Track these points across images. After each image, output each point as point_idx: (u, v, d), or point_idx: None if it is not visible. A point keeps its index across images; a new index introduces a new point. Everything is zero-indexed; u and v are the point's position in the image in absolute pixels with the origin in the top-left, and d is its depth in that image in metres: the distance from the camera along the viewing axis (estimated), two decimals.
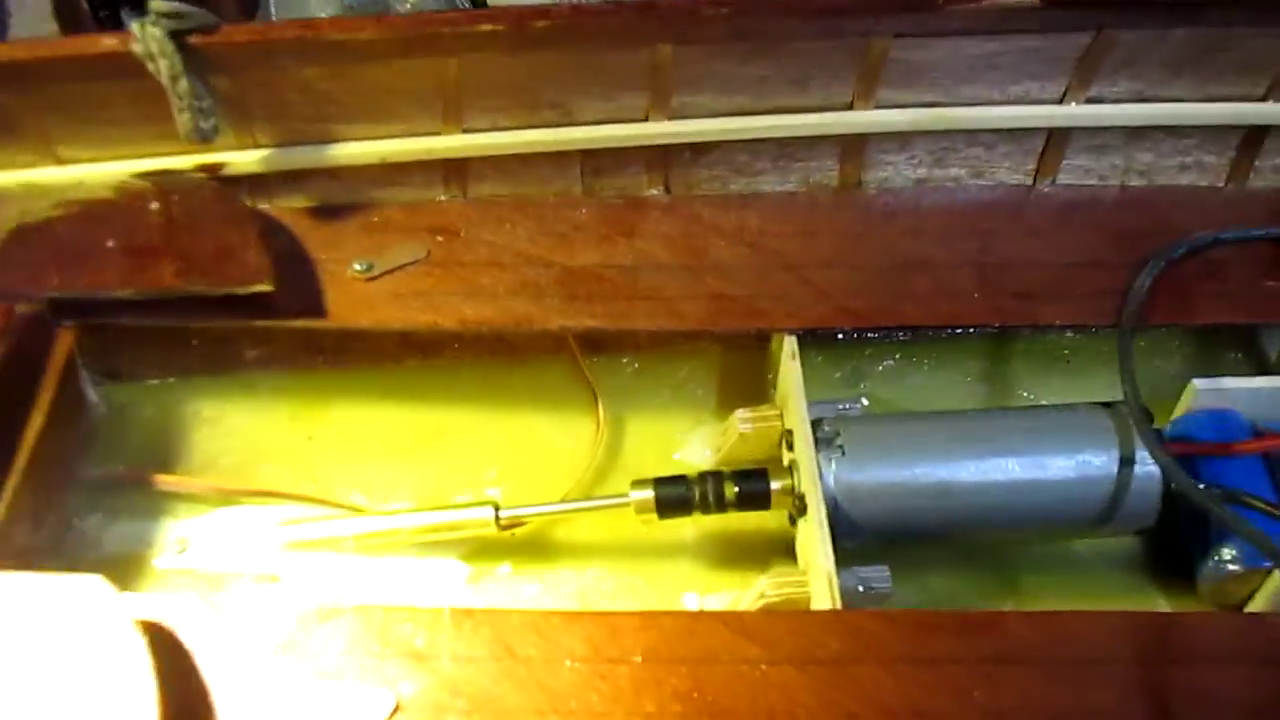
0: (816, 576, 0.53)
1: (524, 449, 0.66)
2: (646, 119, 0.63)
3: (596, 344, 0.67)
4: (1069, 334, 0.68)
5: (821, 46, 0.60)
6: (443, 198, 0.66)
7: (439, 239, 0.64)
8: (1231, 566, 0.56)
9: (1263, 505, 0.54)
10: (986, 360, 0.69)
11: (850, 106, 0.63)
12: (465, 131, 0.63)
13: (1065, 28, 0.60)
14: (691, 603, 0.55)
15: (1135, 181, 0.66)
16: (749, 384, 0.68)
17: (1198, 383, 0.60)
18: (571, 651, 0.49)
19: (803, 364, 0.68)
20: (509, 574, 0.61)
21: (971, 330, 0.68)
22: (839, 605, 0.51)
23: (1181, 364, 0.68)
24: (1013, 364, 0.69)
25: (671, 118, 0.63)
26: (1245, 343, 0.68)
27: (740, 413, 0.61)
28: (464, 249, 0.63)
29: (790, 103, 0.63)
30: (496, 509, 0.59)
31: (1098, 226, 0.64)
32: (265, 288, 0.57)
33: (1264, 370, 0.67)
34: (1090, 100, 0.62)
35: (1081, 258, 0.62)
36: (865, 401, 0.63)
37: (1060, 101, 0.62)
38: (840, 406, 0.61)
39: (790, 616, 0.50)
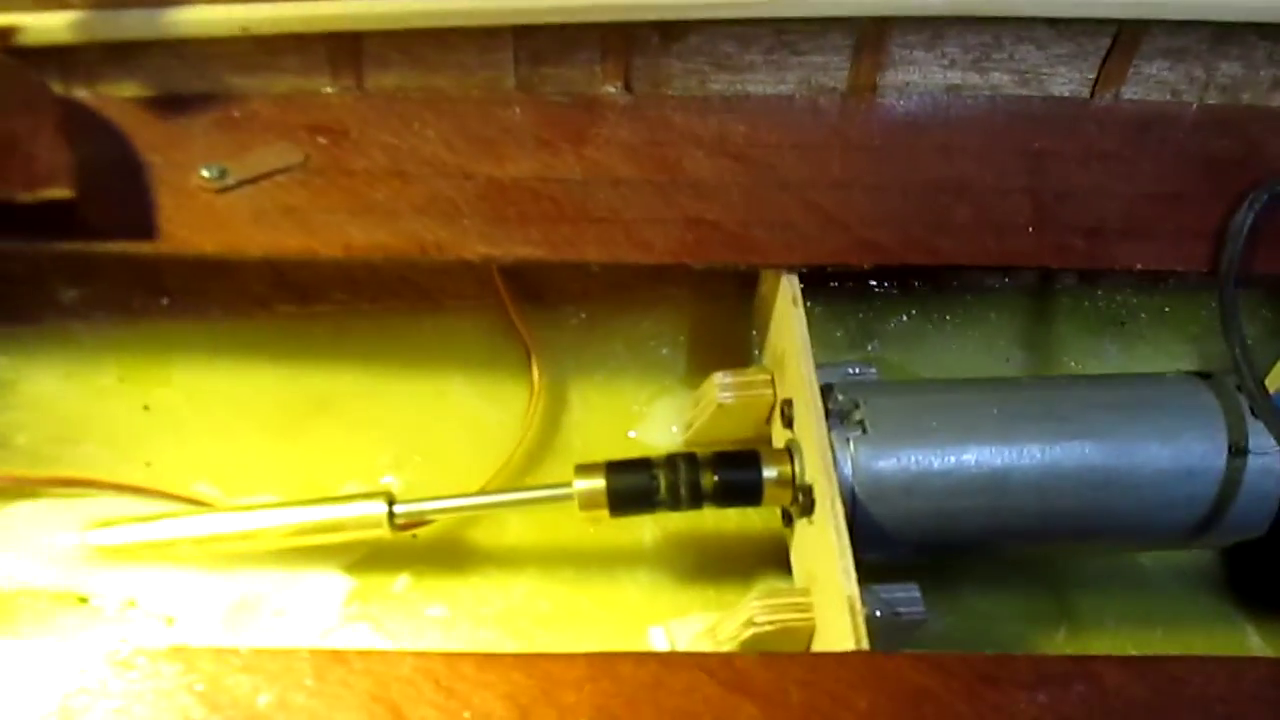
0: (829, 600, 0.38)
1: (433, 425, 0.50)
2: None
3: (533, 286, 0.52)
4: (1128, 289, 0.55)
5: None
6: (330, 89, 0.50)
7: (320, 140, 0.47)
8: None
9: None
10: (1023, 319, 0.55)
11: None
12: None
13: None
14: (657, 636, 0.40)
15: (1215, 99, 0.52)
16: (728, 342, 0.53)
17: None
18: (487, 714, 0.34)
19: None
20: (407, 590, 0.46)
21: (1006, 280, 0.54)
22: (864, 643, 0.36)
23: (1260, 327, 0.55)
24: (1056, 325, 0.55)
25: None
26: None
27: (720, 377, 0.46)
28: (354, 154, 0.47)
29: None
30: (390, 502, 0.43)
31: (1177, 151, 0.50)
32: (62, 193, 0.41)
33: None
34: None
35: (1162, 188, 0.48)
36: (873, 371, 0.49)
37: None
38: (849, 371, 0.47)
39: (799, 662, 0.35)
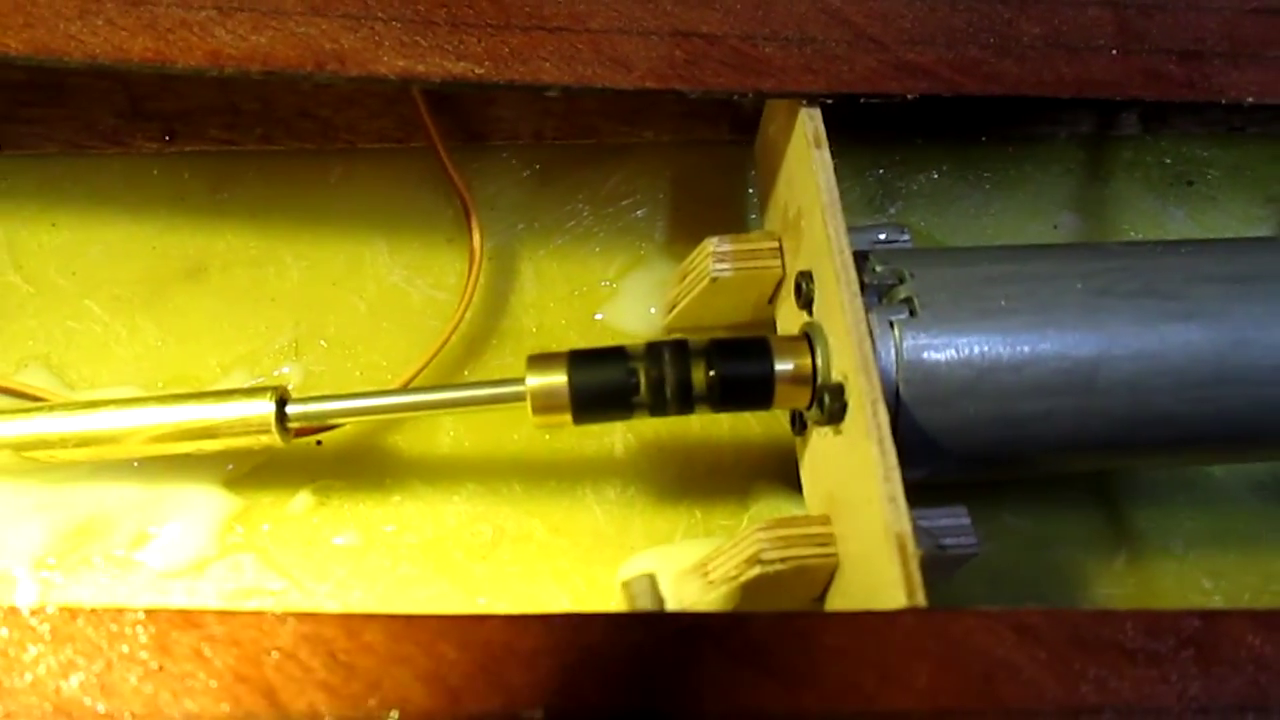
0: (860, 533, 0.29)
1: (344, 300, 0.39)
2: None
3: (472, 122, 0.41)
4: (1197, 142, 0.45)
5: None
6: None
7: None
8: None
9: None
10: (1075, 177, 0.45)
11: None
12: None
13: None
14: (642, 567, 0.31)
15: None
16: (720, 201, 0.42)
17: None
18: (403, 701, 0.25)
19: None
20: (307, 512, 0.35)
21: (1058, 125, 0.44)
22: (918, 596, 0.27)
23: None
24: (1113, 184, 0.45)
25: None
26: None
27: (715, 243, 0.36)
28: None
29: None
30: (281, 401, 0.33)
31: None
32: None
33: None
34: None
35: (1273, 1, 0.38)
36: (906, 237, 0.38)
37: None
38: (878, 237, 0.36)
39: (837, 623, 0.26)
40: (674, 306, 0.39)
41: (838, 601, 0.32)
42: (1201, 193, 0.45)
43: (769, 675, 0.25)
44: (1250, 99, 0.36)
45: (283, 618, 0.25)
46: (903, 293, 0.31)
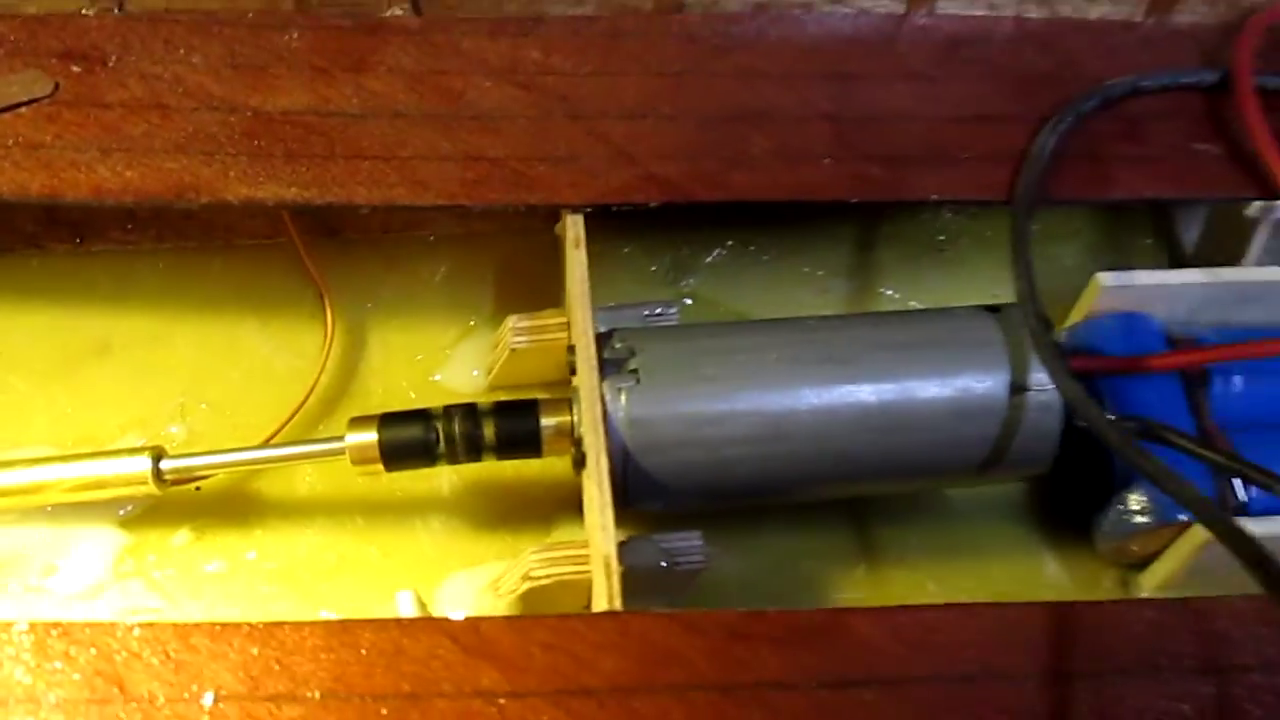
0: (596, 558, 0.38)
1: (223, 371, 0.48)
2: None
3: (327, 222, 0.50)
4: (948, 213, 0.53)
5: None
6: (88, 11, 0.46)
7: (74, 69, 0.44)
8: (1141, 519, 0.43)
9: (1190, 445, 0.41)
10: (844, 247, 0.53)
11: None
12: None
13: None
14: (404, 601, 0.39)
15: (1034, 13, 0.50)
16: (538, 281, 0.51)
17: (1103, 278, 0.46)
18: (218, 686, 0.33)
19: (609, 253, 0.52)
20: (187, 545, 0.44)
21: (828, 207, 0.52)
22: (618, 603, 0.36)
23: (1084, 252, 0.54)
24: (876, 252, 0.53)
25: None
26: (1156, 224, 0.54)
27: (514, 320, 0.44)
28: (112, 84, 0.44)
29: None
30: (158, 459, 0.41)
31: (988, 69, 0.48)
32: None
33: (1177, 260, 0.53)
34: None
35: (968, 111, 0.47)
36: (688, 302, 0.47)
37: None
38: (649, 311, 0.45)
39: (546, 624, 0.35)
40: (490, 370, 0.48)
41: (595, 607, 0.41)
42: (952, 257, 0.54)
43: (490, 663, 0.34)
44: (935, 196, 0.44)
45: (130, 627, 0.34)
46: (632, 364, 0.40)
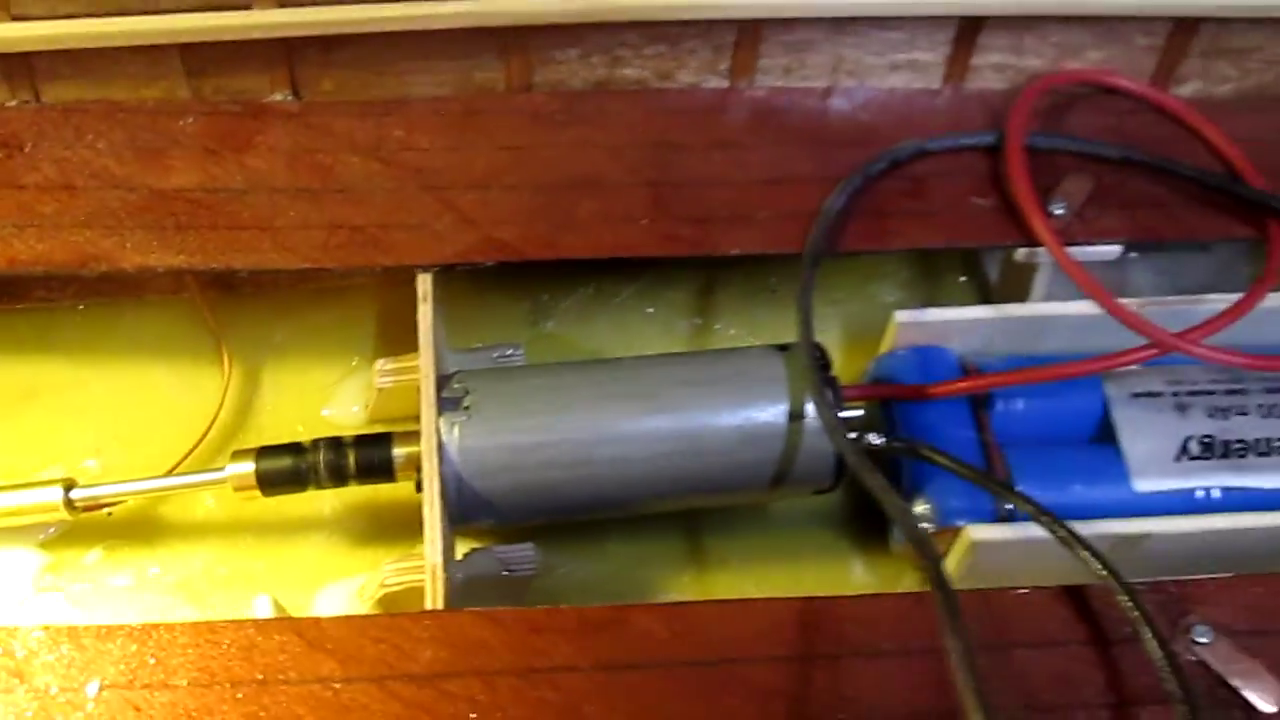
0: (426, 567, 0.45)
1: (135, 411, 0.55)
2: (251, 6, 0.51)
3: (224, 277, 0.57)
4: (777, 261, 0.60)
5: None
6: (11, 103, 0.53)
7: None
8: (924, 524, 0.50)
9: (942, 460, 0.48)
10: (690, 290, 0.61)
11: None
12: (16, 19, 0.50)
13: None
14: (261, 604, 0.46)
15: (844, 82, 0.58)
16: (414, 323, 0.58)
17: (900, 315, 0.54)
18: (102, 676, 0.40)
19: (477, 299, 0.59)
20: (98, 563, 0.51)
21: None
22: (440, 604, 0.43)
23: (901, 290, 0.62)
24: (717, 295, 0.61)
25: (285, 4, 0.51)
26: (969, 264, 0.61)
27: (381, 363, 0.51)
28: (26, 168, 0.51)
29: None
30: (68, 489, 0.49)
31: (796, 136, 0.55)
32: None
33: (985, 296, 0.60)
34: None
35: (774, 174, 0.54)
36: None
37: None
38: (499, 353, 0.52)
39: (379, 622, 0.42)
40: (367, 406, 0.55)
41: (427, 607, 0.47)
42: (783, 298, 0.61)
43: (329, 654, 0.41)
44: (736, 250, 0.51)
45: (31, 629, 0.41)
46: (466, 402, 0.47)
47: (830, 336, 0.60)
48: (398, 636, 0.41)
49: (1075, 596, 0.43)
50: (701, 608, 0.43)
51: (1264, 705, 0.41)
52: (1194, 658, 0.42)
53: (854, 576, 0.54)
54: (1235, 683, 0.41)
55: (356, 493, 0.54)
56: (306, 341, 0.57)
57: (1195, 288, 0.54)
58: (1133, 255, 0.60)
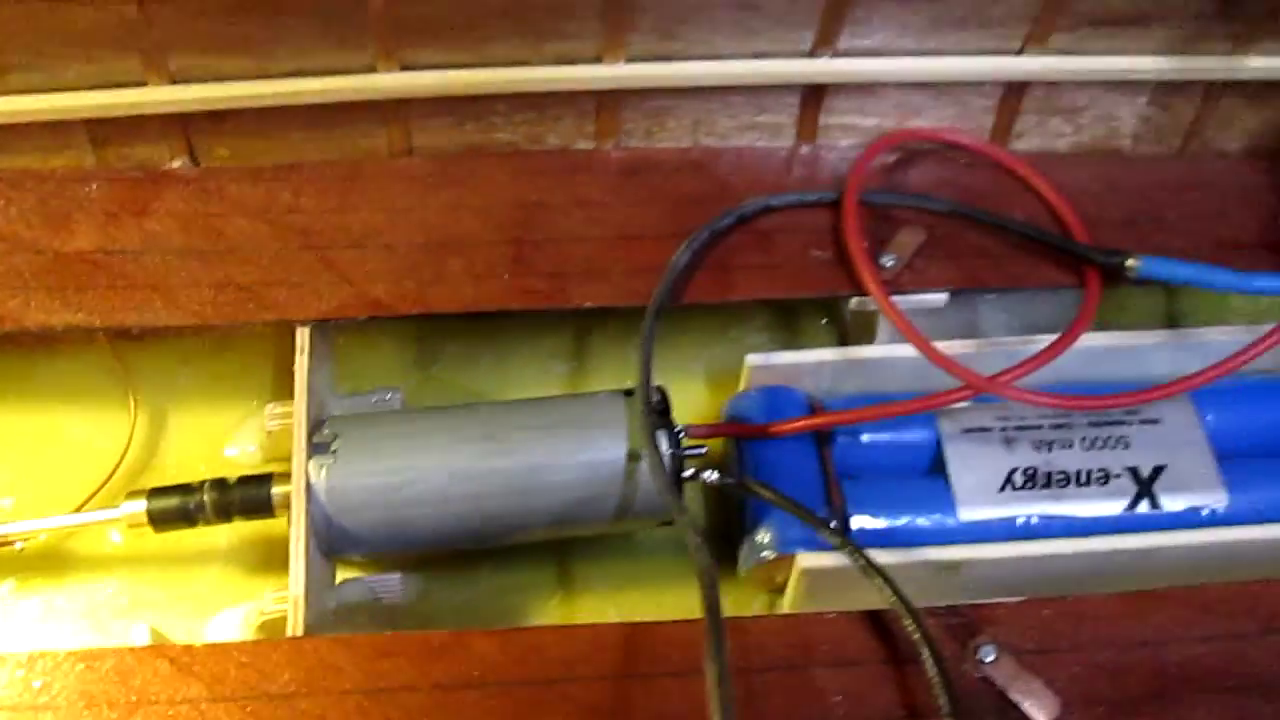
0: (289, 596, 0.49)
1: (48, 452, 0.60)
2: (145, 84, 0.56)
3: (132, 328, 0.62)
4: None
5: None
6: None
7: None
8: (765, 553, 0.55)
9: (765, 493, 0.52)
10: (566, 336, 0.65)
11: (374, 69, 0.57)
12: None
13: None
14: (139, 632, 0.51)
15: (706, 141, 0.63)
16: None
17: (749, 359, 0.58)
18: None
19: (368, 345, 0.64)
20: (10, 594, 0.56)
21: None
22: (300, 631, 0.47)
23: (764, 333, 0.66)
24: (593, 339, 0.65)
25: (175, 81, 0.56)
26: (830, 308, 0.66)
27: (270, 407, 0.56)
28: None
29: (316, 63, 0.57)
30: None
31: (655, 195, 0.60)
32: None
33: (843, 339, 0.65)
34: (631, 59, 0.58)
35: (630, 231, 0.59)
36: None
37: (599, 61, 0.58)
38: (377, 398, 0.57)
39: (244, 648, 0.46)
40: (262, 446, 0.59)
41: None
42: (659, 351, 0.65)
43: (196, 678, 0.45)
44: (589, 303, 0.56)
45: None
46: (334, 446, 0.52)
47: (696, 378, 0.65)
48: (260, 661, 0.46)
49: (874, 620, 0.48)
50: (533, 632, 0.47)
51: (1039, 718, 0.46)
52: (980, 675, 0.47)
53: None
54: (1015, 698, 0.46)
55: (250, 527, 0.59)
56: (209, 387, 0.62)
57: (1047, 326, 0.59)
58: (990, 297, 0.65)
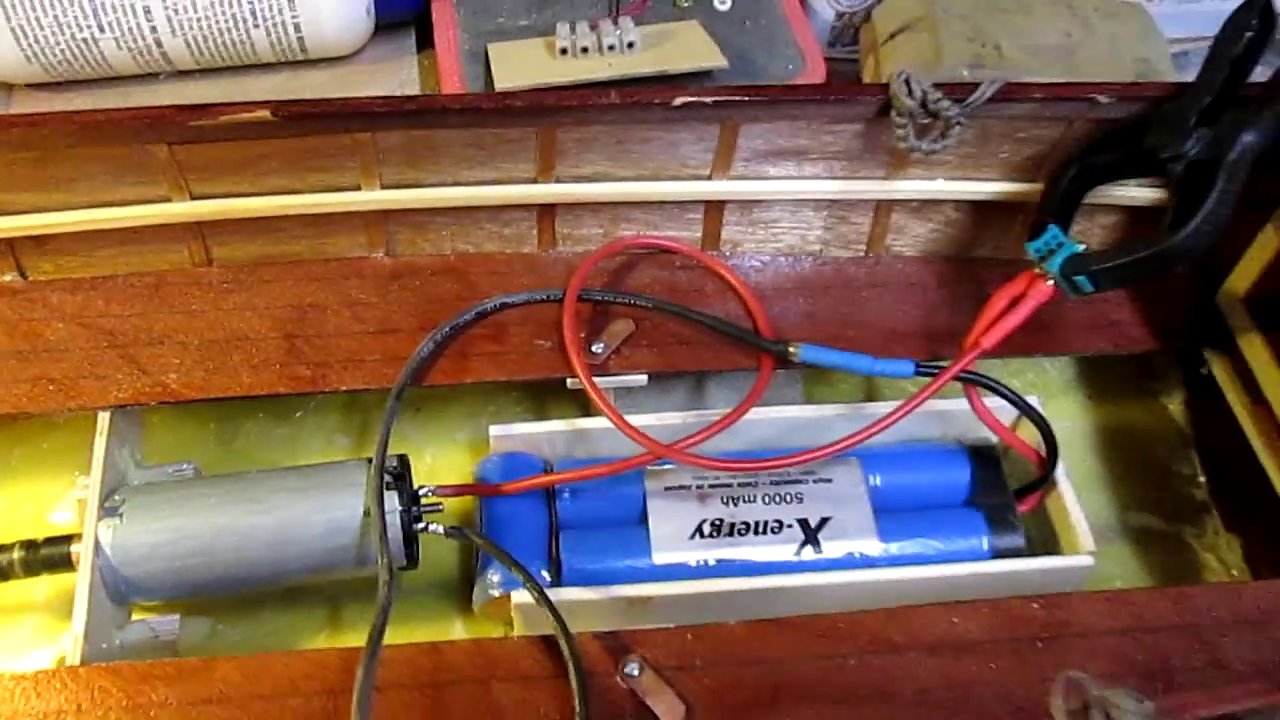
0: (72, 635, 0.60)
1: None
2: None
3: None
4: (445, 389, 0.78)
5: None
6: None
7: None
8: (493, 591, 0.66)
9: (481, 542, 0.64)
10: (357, 414, 0.78)
11: (169, 199, 0.70)
12: None
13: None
14: (38, 656, 0.61)
15: (461, 248, 0.75)
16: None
17: (493, 429, 0.70)
18: None
19: (177, 423, 0.75)
20: None
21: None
22: (79, 661, 0.58)
23: (519, 406, 0.79)
24: (372, 417, 0.77)
25: (3, 213, 0.68)
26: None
27: (80, 479, 0.68)
28: None
29: (118, 196, 0.69)
30: None
31: (414, 295, 0.73)
32: None
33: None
34: (386, 186, 0.71)
35: (387, 326, 0.71)
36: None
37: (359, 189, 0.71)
38: (174, 469, 0.69)
39: (30, 676, 0.57)
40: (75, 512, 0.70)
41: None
42: (428, 416, 0.78)
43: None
44: (345, 387, 0.68)
45: None
46: (121, 510, 0.63)
47: (461, 445, 0.77)
48: (40, 686, 0.57)
49: (547, 643, 0.59)
50: (268, 657, 0.58)
51: (667, 719, 0.57)
52: (627, 687, 0.58)
53: (454, 632, 0.70)
54: (649, 703, 0.58)
55: (65, 581, 0.69)
56: (38, 461, 0.74)
57: (763, 400, 0.72)
58: (717, 376, 0.78)
